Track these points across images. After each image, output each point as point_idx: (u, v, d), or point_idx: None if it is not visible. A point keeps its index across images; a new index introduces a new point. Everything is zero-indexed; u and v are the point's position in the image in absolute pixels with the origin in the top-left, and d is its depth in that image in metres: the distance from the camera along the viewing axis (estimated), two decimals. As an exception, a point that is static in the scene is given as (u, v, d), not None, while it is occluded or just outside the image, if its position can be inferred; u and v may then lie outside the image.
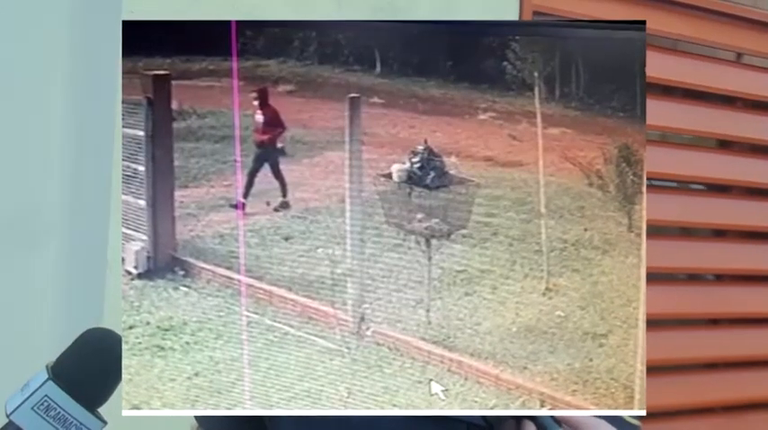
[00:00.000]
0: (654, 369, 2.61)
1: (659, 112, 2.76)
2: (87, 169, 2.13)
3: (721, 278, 3.09)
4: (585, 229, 2.78)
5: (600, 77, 3.67)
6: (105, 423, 1.05)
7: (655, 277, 2.82)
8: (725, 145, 3.11)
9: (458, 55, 4.11)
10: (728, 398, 2.96)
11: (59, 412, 1.04)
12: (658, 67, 2.75)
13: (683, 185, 3.02)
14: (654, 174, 2.79)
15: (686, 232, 3.05)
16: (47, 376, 1.05)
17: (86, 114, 2.11)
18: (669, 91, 2.90)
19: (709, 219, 3.02)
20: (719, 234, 3.09)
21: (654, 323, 2.66)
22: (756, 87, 3.06)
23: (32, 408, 1.04)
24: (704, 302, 2.95)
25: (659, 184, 2.92)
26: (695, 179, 3.02)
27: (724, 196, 3.07)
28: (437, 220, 2.21)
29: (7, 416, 1.05)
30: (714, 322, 3.04)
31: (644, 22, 1.67)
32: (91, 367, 1.05)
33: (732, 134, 3.05)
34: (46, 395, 1.04)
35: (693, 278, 3.06)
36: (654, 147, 2.81)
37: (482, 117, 3.88)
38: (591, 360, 2.08)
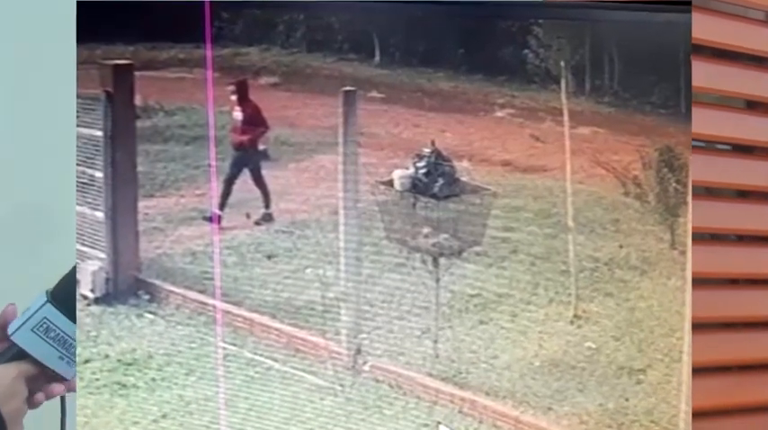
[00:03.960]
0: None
1: (687, 72, 3.05)
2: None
3: (743, 239, 3.39)
4: (621, 246, 2.79)
5: (637, 68, 3.69)
6: None
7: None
8: (753, 106, 3.38)
9: (471, 41, 4.12)
10: (745, 357, 3.24)
11: (59, 334, 1.24)
12: (687, 25, 3.01)
13: (709, 146, 3.26)
14: (680, 133, 3.09)
15: (710, 192, 3.30)
16: (45, 299, 1.25)
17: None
18: (698, 50, 3.08)
19: (734, 180, 3.30)
20: (743, 195, 3.37)
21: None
22: (786, 48, 3.41)
23: (32, 330, 1.24)
24: (725, 262, 3.24)
25: (685, 144, 3.18)
26: (722, 139, 3.30)
27: (749, 157, 3.34)
28: (446, 236, 2.22)
29: (8, 337, 1.26)
30: (733, 282, 3.33)
31: (689, 2, 1.68)
32: None
33: (761, 95, 3.33)
34: (45, 317, 1.24)
35: (715, 238, 3.34)
36: (681, 106, 3.08)
37: (499, 114, 3.89)
38: (627, 399, 2.09)
